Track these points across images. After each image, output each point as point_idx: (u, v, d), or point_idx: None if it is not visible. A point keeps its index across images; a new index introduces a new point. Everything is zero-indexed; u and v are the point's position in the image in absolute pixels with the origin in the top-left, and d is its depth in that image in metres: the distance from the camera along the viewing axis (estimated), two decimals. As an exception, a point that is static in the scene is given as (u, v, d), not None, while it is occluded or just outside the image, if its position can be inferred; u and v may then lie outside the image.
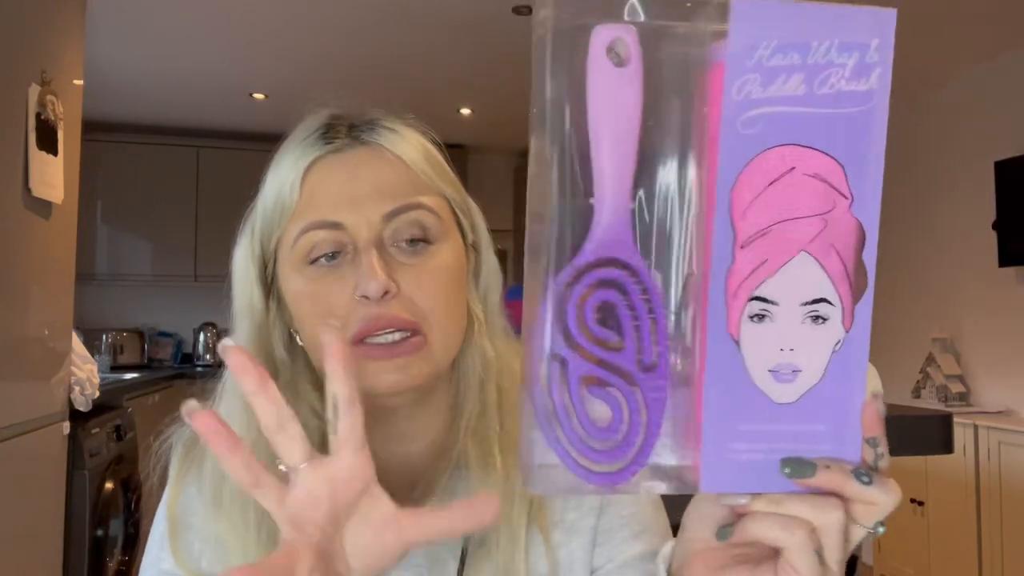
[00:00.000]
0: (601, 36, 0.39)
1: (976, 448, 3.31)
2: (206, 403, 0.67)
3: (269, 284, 0.65)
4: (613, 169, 0.40)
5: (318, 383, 0.65)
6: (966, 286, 3.82)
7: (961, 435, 3.29)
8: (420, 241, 0.61)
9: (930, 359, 3.83)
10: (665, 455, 0.42)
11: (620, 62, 0.39)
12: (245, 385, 0.45)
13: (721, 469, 0.41)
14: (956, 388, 3.71)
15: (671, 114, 0.41)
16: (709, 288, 0.40)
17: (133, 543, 2.68)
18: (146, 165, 4.86)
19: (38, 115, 2.06)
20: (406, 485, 0.66)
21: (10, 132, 1.97)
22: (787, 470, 0.41)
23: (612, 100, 0.39)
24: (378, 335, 0.59)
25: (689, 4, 0.40)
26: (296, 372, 0.65)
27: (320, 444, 0.63)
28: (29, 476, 2.08)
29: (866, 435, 0.42)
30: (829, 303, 0.41)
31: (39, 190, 2.06)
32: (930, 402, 3.73)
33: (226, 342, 0.47)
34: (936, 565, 3.51)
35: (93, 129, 3.25)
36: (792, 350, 0.41)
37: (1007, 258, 3.49)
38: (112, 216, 4.81)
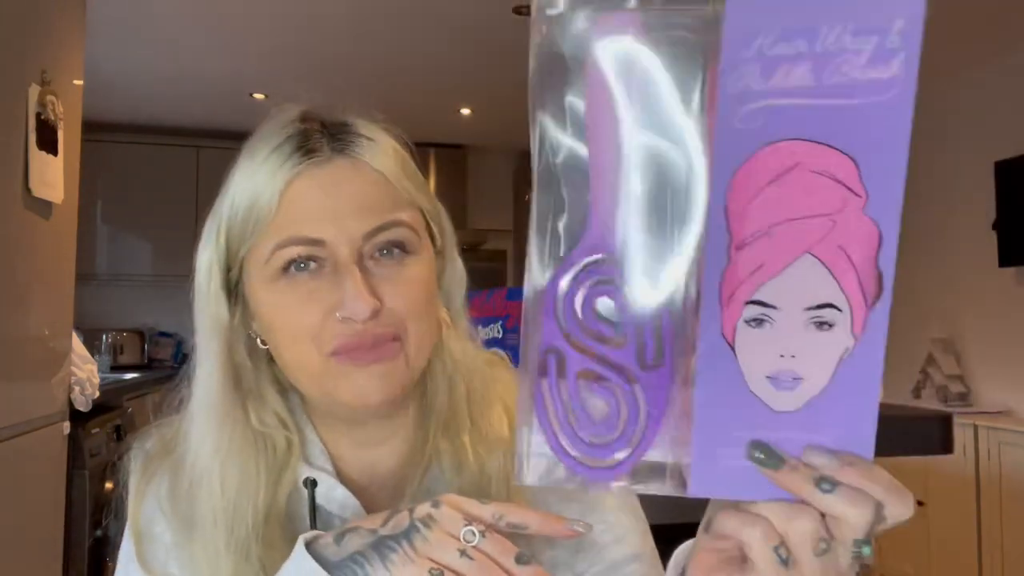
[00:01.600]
0: (602, 30, 0.38)
1: (976, 448, 3.31)
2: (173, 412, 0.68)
3: (232, 289, 0.64)
4: (609, 166, 0.39)
5: (280, 387, 0.66)
6: (966, 286, 3.82)
7: (961, 435, 3.29)
8: (397, 250, 0.61)
9: (930, 359, 3.83)
10: (659, 454, 0.41)
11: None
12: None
13: (711, 474, 0.40)
14: (956, 388, 3.71)
15: (671, 111, 0.39)
16: (703, 290, 0.39)
17: (133, 543, 2.68)
18: (146, 165, 4.86)
19: (38, 115, 2.06)
20: (381, 487, 0.66)
21: (10, 132, 1.97)
22: (757, 453, 0.40)
23: (608, 101, 0.39)
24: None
25: None
26: (259, 377, 0.65)
27: (285, 450, 0.64)
28: (29, 476, 2.08)
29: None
30: (836, 308, 0.39)
31: (39, 190, 2.06)
32: (930, 402, 3.72)
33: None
34: (936, 565, 3.51)
35: (93, 129, 3.24)
36: (793, 356, 0.39)
37: (1007, 258, 3.49)
38: (112, 216, 4.81)
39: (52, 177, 2.15)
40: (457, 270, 0.69)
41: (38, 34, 2.15)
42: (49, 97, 2.12)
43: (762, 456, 0.40)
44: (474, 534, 0.46)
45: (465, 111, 4.60)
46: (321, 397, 0.63)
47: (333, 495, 0.63)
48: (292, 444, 0.64)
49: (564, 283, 0.40)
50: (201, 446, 0.62)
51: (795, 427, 0.40)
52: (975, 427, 3.31)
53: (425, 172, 2.79)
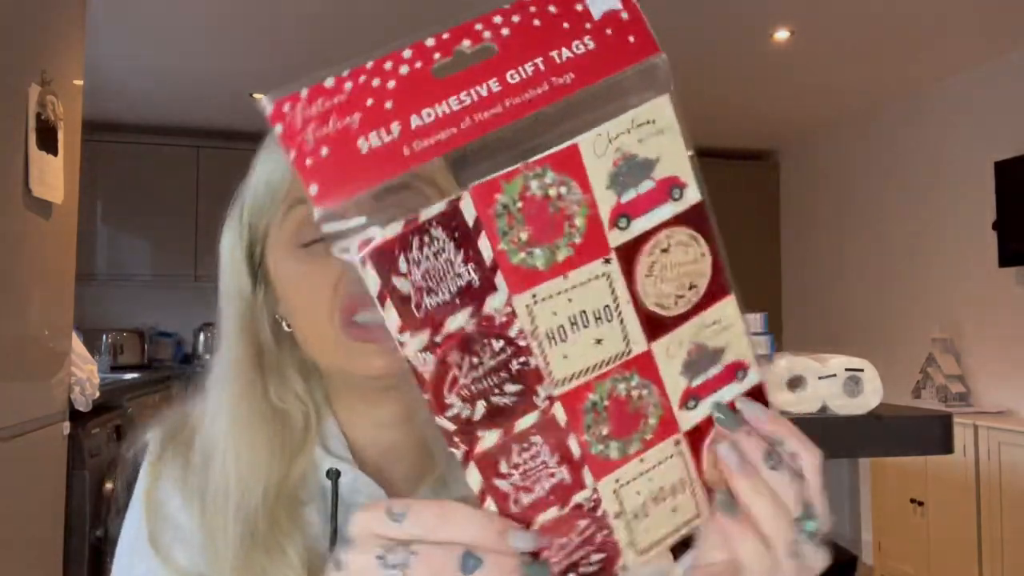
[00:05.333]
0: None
1: (976, 448, 3.31)
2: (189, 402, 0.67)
3: (256, 268, 0.65)
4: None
5: (303, 369, 0.66)
6: (966, 286, 3.82)
7: (961, 435, 3.29)
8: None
9: (930, 359, 3.83)
10: None
11: None
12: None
13: None
14: (956, 388, 3.71)
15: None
16: None
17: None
18: (146, 165, 4.86)
19: (38, 115, 2.06)
20: (397, 471, 0.66)
21: (10, 132, 1.97)
22: (719, 415, 0.44)
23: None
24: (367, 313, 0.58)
25: None
26: (282, 358, 0.65)
27: (303, 429, 0.63)
28: (29, 476, 2.08)
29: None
30: None
31: (39, 190, 2.06)
32: (930, 402, 3.73)
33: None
34: (936, 565, 3.51)
35: (93, 129, 3.24)
36: None
37: (1007, 258, 3.49)
38: (112, 216, 4.81)
39: (52, 177, 2.15)
40: None
41: (38, 34, 2.15)
42: (49, 97, 2.12)
43: (722, 416, 0.43)
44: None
45: (465, 111, 4.60)
46: (337, 373, 0.63)
47: (356, 485, 0.63)
48: (310, 422, 0.64)
49: None
50: (216, 417, 0.62)
51: None
52: (975, 427, 3.31)
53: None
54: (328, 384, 0.67)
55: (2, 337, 1.93)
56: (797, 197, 5.31)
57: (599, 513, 0.41)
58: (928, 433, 1.64)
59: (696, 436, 0.44)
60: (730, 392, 0.45)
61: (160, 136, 4.94)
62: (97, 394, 2.45)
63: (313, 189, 0.34)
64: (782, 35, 3.38)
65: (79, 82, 2.41)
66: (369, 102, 0.36)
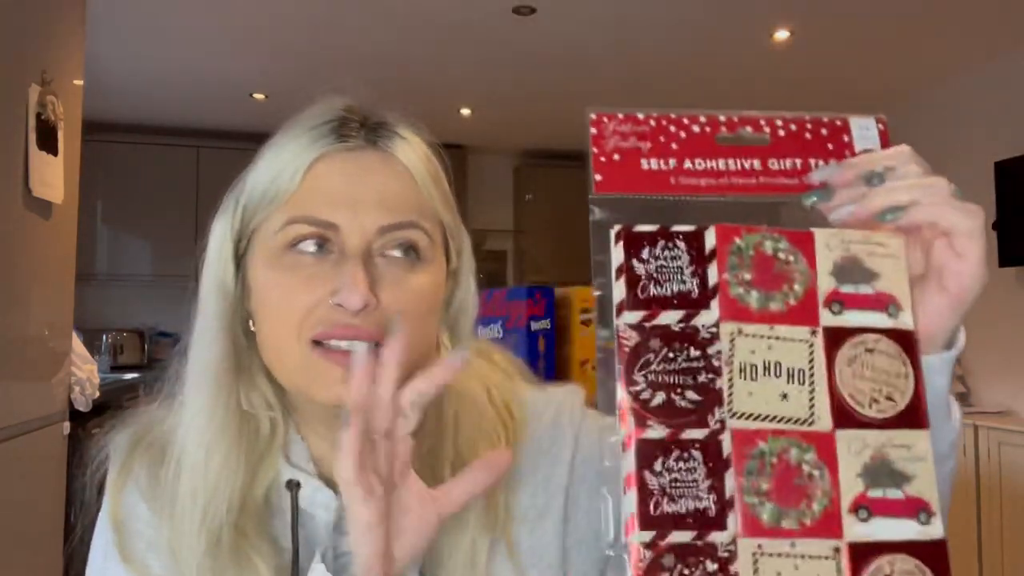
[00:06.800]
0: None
1: (976, 448, 3.31)
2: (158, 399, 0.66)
3: (239, 263, 0.63)
4: None
5: (267, 372, 0.63)
6: (966, 286, 3.82)
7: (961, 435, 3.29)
8: (408, 254, 0.59)
9: (930, 359, 3.83)
10: None
11: None
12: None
13: None
14: (956, 388, 3.70)
15: None
16: None
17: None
18: (146, 165, 4.86)
19: (38, 115, 2.06)
20: None
21: (10, 132, 1.97)
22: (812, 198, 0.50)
23: None
24: (343, 340, 0.57)
25: None
26: (252, 360, 0.63)
27: (269, 436, 0.62)
28: (29, 476, 2.08)
29: None
30: None
31: (39, 190, 2.06)
32: (930, 402, 3.72)
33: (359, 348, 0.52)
34: (936, 565, 3.51)
35: (93, 129, 3.24)
36: None
37: (1007, 258, 3.49)
38: (112, 216, 4.81)
39: (52, 177, 2.15)
40: (469, 297, 0.66)
41: (38, 34, 2.15)
42: (49, 97, 2.12)
43: (815, 198, 0.49)
44: None
45: (465, 111, 4.60)
46: (296, 394, 0.61)
47: (316, 498, 0.61)
48: (276, 428, 0.62)
49: None
50: (193, 420, 0.61)
51: None
52: (975, 427, 3.31)
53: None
54: (289, 401, 0.64)
55: (2, 337, 1.93)
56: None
57: (732, 570, 0.41)
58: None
59: (857, 557, 0.42)
60: (903, 530, 0.43)
61: (160, 136, 4.94)
62: (97, 394, 2.45)
63: (597, 177, 0.45)
64: (782, 35, 3.38)
65: (79, 82, 2.41)
66: (661, 139, 0.47)
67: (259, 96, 4.27)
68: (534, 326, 1.50)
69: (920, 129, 4.12)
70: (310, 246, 0.58)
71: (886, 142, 0.49)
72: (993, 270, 2.94)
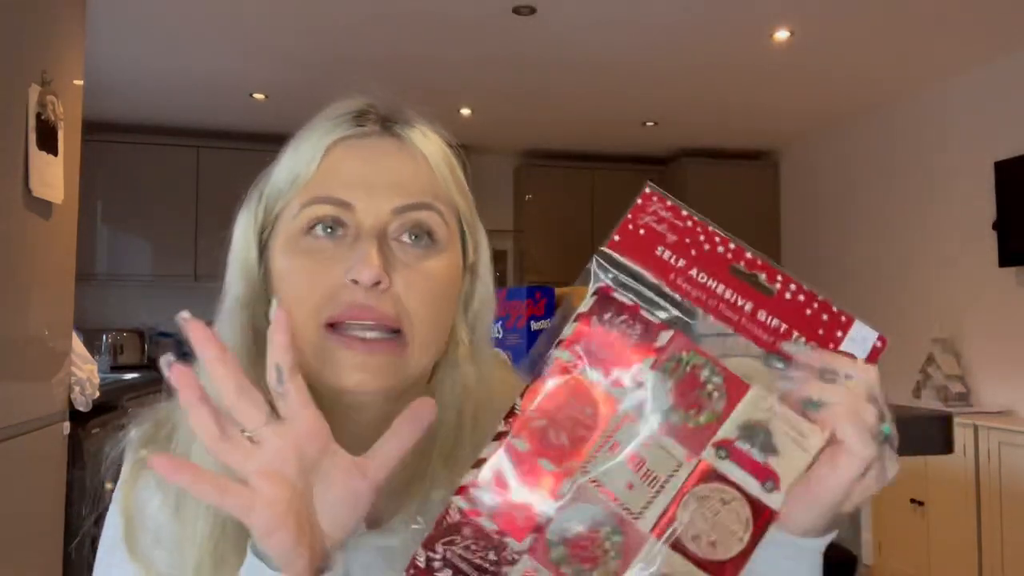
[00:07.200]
0: None
1: (976, 448, 3.31)
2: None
3: (262, 250, 0.63)
4: None
5: None
6: (966, 286, 3.82)
7: (961, 435, 3.29)
8: (423, 239, 0.60)
9: (930, 359, 3.83)
10: None
11: None
12: (206, 352, 0.48)
13: None
14: (956, 388, 3.71)
15: None
16: None
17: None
18: (146, 165, 4.86)
19: (38, 115, 2.06)
20: (379, 506, 0.63)
21: (10, 132, 1.97)
22: (777, 364, 0.50)
23: None
24: (357, 324, 0.57)
25: None
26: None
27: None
28: (29, 476, 2.08)
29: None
30: None
31: (39, 190, 2.06)
32: (930, 402, 3.73)
33: (183, 314, 0.49)
34: (936, 565, 3.51)
35: (93, 129, 3.24)
36: None
37: (1007, 258, 3.50)
38: (112, 216, 4.81)
39: (52, 177, 2.15)
40: (488, 294, 0.66)
41: (38, 34, 2.15)
42: (49, 97, 2.12)
43: (780, 365, 0.50)
44: None
45: (465, 111, 4.60)
46: (311, 383, 0.59)
47: None
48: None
49: None
50: None
51: None
52: (975, 427, 3.31)
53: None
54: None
55: (2, 337, 1.93)
56: (797, 197, 5.31)
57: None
58: (928, 433, 1.64)
59: (703, 474, 0.49)
60: (747, 482, 0.49)
61: (160, 136, 4.94)
62: (97, 394, 2.45)
63: (616, 237, 0.50)
64: (782, 35, 3.39)
65: (79, 82, 2.41)
66: (687, 240, 0.50)
67: (259, 96, 4.27)
68: (534, 326, 1.50)
69: (920, 129, 4.12)
70: (326, 230, 0.59)
71: (874, 359, 0.51)
72: (993, 270, 2.95)
